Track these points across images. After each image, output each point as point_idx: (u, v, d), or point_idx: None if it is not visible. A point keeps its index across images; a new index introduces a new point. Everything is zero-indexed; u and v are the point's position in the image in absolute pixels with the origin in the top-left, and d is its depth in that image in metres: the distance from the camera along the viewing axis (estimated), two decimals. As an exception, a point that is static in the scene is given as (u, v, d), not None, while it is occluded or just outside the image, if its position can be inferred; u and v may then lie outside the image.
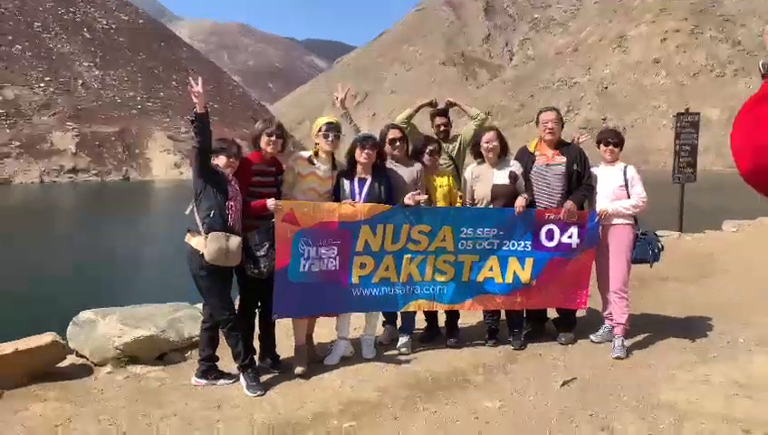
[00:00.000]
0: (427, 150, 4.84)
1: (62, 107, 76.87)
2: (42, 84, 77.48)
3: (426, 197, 4.64)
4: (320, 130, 4.47)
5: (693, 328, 5.40)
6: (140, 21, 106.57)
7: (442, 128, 5.56)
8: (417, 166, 4.82)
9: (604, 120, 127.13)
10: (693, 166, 11.51)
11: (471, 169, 5.02)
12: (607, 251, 4.84)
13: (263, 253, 4.17)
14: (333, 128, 4.50)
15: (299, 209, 4.29)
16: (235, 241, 4.01)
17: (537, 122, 5.04)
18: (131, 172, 77.36)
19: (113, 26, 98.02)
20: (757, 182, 1.15)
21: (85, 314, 4.70)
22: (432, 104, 5.68)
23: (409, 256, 4.62)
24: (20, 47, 79.50)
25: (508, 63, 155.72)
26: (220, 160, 4.11)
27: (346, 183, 4.55)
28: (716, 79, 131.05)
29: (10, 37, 79.63)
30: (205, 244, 3.92)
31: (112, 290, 12.83)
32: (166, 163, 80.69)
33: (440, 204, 4.80)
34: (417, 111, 5.58)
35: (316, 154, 4.51)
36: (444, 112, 5.70)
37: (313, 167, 4.48)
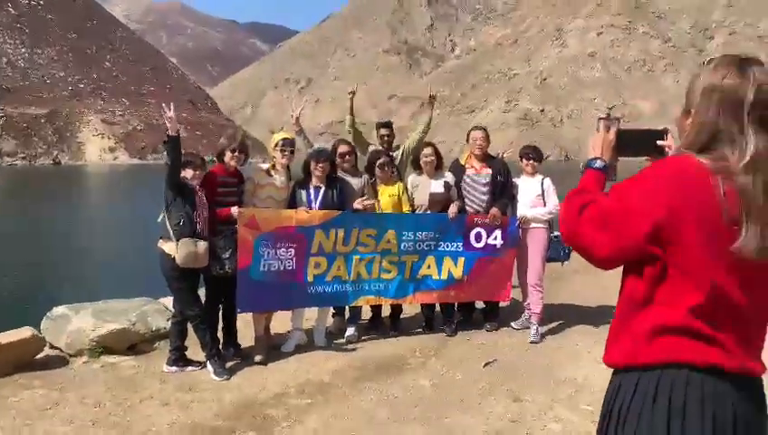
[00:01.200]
0: (377, 163, 5.52)
1: (-13, 87, 73.05)
2: (-37, 62, 73.31)
3: (372, 202, 5.30)
4: (276, 146, 5.06)
5: (598, 315, 6.29)
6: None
7: (386, 138, 6.19)
8: (365, 176, 5.50)
9: (542, 111, 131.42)
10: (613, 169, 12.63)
11: (411, 178, 5.74)
12: (526, 251, 5.61)
13: (227, 255, 4.74)
14: (289, 144, 5.11)
15: (260, 215, 4.84)
16: (202, 246, 4.54)
17: (468, 139, 5.82)
18: (62, 156, 74.57)
19: (41, 2, 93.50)
20: (573, 248, 1.70)
21: (59, 310, 5.13)
22: (353, 92, 6.48)
23: (358, 256, 5.24)
24: (-61, 22, 74.81)
25: (450, 53, 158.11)
26: (187, 173, 4.59)
27: (302, 192, 5.15)
28: (648, 73, 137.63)
29: (-73, 11, 74.74)
30: (176, 249, 4.44)
31: (65, 282, 12.90)
32: (100, 147, 78.20)
33: (390, 211, 5.45)
34: (351, 109, 6.28)
35: (273, 166, 5.08)
36: (387, 124, 6.39)
37: (271, 178, 5.04)
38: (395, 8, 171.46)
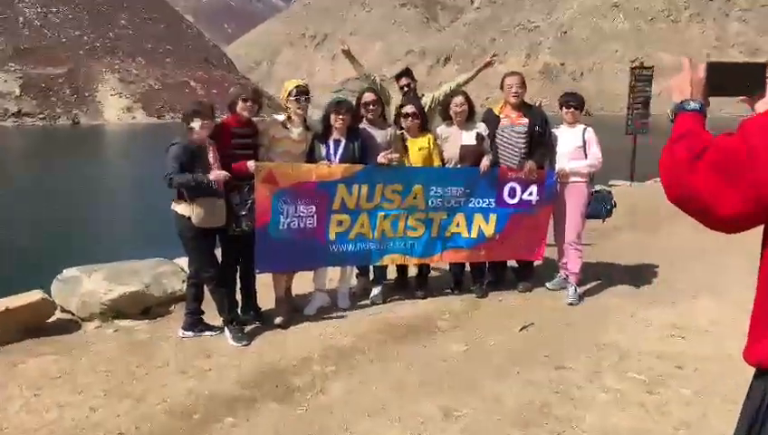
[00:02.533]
0: (404, 113, 5.08)
1: (3, 46, 72.89)
2: (-21, 22, 72.98)
3: (397, 155, 4.90)
4: (290, 95, 4.66)
5: (641, 276, 5.92)
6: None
7: (405, 88, 5.75)
8: (391, 128, 5.09)
9: (562, 64, 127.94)
10: (645, 117, 12.04)
11: (440, 130, 5.27)
12: (564, 207, 5.22)
13: (244, 212, 4.43)
14: (303, 91, 4.68)
15: (278, 170, 4.52)
16: (219, 203, 4.26)
17: (502, 86, 5.30)
18: (81, 116, 74.59)
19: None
20: (681, 207, 1.35)
21: (70, 272, 4.88)
22: (346, 50, 5.77)
23: (383, 213, 4.93)
24: (-48, -19, 74.30)
25: (469, 5, 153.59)
26: (195, 123, 4.22)
27: (321, 145, 4.79)
28: (672, 24, 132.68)
29: (-60, -30, 74.21)
30: (191, 209, 4.15)
31: (84, 243, 12.78)
32: (118, 107, 78.00)
33: (419, 165, 5.07)
34: (357, 63, 5.81)
35: (289, 118, 4.71)
36: (406, 72, 5.88)
37: (287, 131, 4.69)
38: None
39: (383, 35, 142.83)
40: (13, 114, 67.84)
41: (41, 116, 70.11)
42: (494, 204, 5.16)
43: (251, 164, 4.42)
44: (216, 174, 4.15)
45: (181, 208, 4.21)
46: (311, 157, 4.78)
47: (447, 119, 5.24)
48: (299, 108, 4.65)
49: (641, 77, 11.81)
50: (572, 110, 5.25)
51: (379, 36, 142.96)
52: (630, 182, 11.59)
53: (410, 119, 5.05)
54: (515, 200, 5.17)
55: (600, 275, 5.84)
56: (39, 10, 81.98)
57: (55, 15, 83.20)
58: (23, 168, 31.86)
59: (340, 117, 4.73)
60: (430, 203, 5.03)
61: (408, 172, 4.99)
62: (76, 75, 76.44)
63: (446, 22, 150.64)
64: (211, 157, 4.26)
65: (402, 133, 5.14)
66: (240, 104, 4.50)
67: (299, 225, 4.67)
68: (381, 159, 4.80)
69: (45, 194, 20.67)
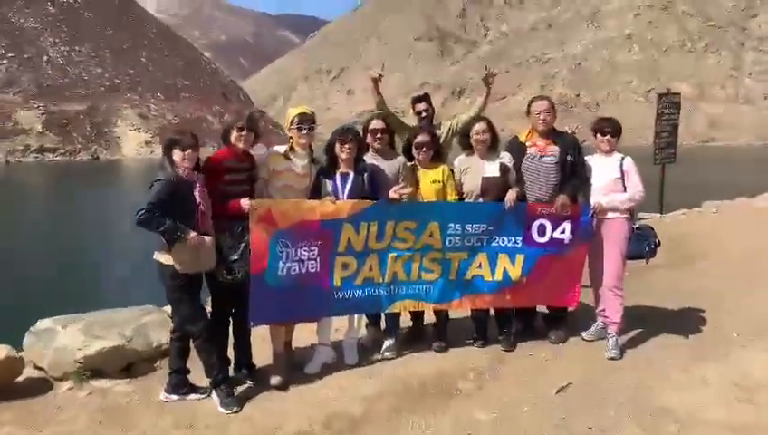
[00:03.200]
0: (417, 142, 4.55)
1: (27, 84, 74.48)
2: (5, 61, 74.92)
3: (410, 189, 4.37)
4: (292, 123, 4.20)
5: (685, 321, 5.24)
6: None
7: (423, 114, 5.24)
8: (400, 158, 4.58)
9: (577, 95, 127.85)
10: (673, 146, 11.42)
11: (459, 161, 4.74)
12: (601, 246, 4.61)
13: (236, 256, 3.90)
14: (308, 119, 4.22)
15: (277, 208, 4.02)
16: (206, 245, 3.74)
17: (528, 112, 4.76)
18: (100, 151, 75.54)
19: (78, 1, 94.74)
20: None
21: (44, 323, 4.35)
22: (378, 78, 5.22)
23: (394, 254, 4.41)
24: (-21, 22, 76.53)
25: (483, 39, 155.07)
26: (175, 155, 3.72)
27: (327, 180, 4.29)
28: (688, 54, 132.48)
29: (-32, 11, 76.52)
30: (173, 251, 3.64)
31: (74, 290, 12.08)
32: (136, 141, 78.96)
33: (433, 200, 4.53)
34: (377, 92, 5.21)
35: (292, 149, 4.22)
36: (424, 98, 5.40)
37: (289, 162, 4.19)
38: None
39: (399, 68, 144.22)
40: (34, 150, 68.88)
41: (61, 151, 71.16)
42: (521, 243, 4.58)
43: (246, 202, 3.91)
44: (195, 240, 3.64)
45: (164, 259, 3.70)
46: (315, 193, 4.28)
47: (468, 148, 4.71)
48: (303, 138, 4.19)
49: (668, 104, 11.21)
50: (608, 137, 4.67)
51: (395, 69, 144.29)
52: (660, 214, 10.90)
53: (423, 149, 4.54)
54: (546, 239, 4.58)
55: (639, 321, 5.16)
56: (62, 48, 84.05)
57: (78, 54, 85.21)
58: (28, 203, 31.80)
59: (347, 146, 4.23)
60: (448, 242, 4.47)
61: (422, 208, 4.46)
62: (96, 111, 77.77)
63: (460, 55, 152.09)
64: (197, 194, 3.74)
65: (414, 164, 4.62)
66: (234, 134, 4.02)
67: (300, 270, 4.15)
68: (393, 193, 4.27)
69: (39, 232, 20.27)
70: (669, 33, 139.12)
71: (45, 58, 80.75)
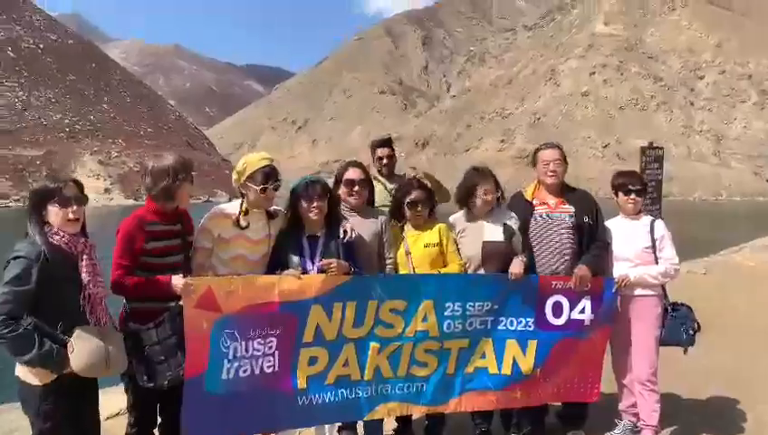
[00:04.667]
0: (408, 201, 3.72)
1: (-19, 128, 72.58)
2: (-41, 104, 73.02)
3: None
4: (251, 179, 3.20)
5: (721, 412, 4.49)
6: (70, 41, 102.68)
7: (385, 161, 4.58)
8: (382, 216, 3.75)
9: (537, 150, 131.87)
10: (658, 202, 11.41)
11: (455, 219, 3.92)
12: (628, 329, 3.86)
13: (163, 356, 2.90)
14: (272, 174, 3.24)
15: (221, 287, 3.05)
16: (113, 338, 2.73)
17: (534, 163, 3.98)
18: (57, 198, 73.68)
19: (41, 46, 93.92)
20: None
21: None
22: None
23: (377, 344, 3.45)
24: (-65, 64, 74.89)
25: (446, 93, 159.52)
26: (52, 215, 2.65)
27: (288, 246, 3.40)
28: (641, 112, 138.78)
29: (-76, 53, 74.91)
30: (71, 347, 2.56)
31: None
32: (95, 188, 77.25)
33: (422, 270, 3.66)
34: (437, 184, 4.28)
35: (245, 212, 3.24)
36: (386, 142, 4.71)
37: (241, 229, 3.23)
38: (390, 50, 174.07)
39: (362, 120, 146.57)
40: (-14, 196, 66.58)
41: (15, 198, 68.80)
42: (533, 325, 3.73)
43: (177, 280, 2.93)
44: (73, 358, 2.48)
45: (26, 374, 2.58)
46: (274, 263, 3.34)
47: (464, 205, 3.85)
48: (268, 200, 3.25)
49: (651, 158, 11.24)
50: (634, 196, 3.88)
51: (358, 121, 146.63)
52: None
53: (419, 208, 3.70)
54: (562, 320, 3.76)
55: (670, 417, 4.17)
56: (22, 93, 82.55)
57: (37, 99, 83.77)
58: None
59: (315, 205, 3.33)
60: (445, 326, 3.54)
61: (412, 282, 3.55)
62: (54, 157, 76.03)
63: (424, 108, 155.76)
64: (84, 271, 2.69)
65: (402, 224, 3.80)
66: (164, 180, 2.97)
67: (252, 370, 3.18)
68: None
69: None
70: (623, 91, 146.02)
71: (2, 103, 79.09)
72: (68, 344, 2.53)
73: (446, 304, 3.51)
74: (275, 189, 3.23)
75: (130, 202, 73.75)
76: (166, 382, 2.87)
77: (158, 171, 2.99)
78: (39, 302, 2.52)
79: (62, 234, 2.63)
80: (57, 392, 2.57)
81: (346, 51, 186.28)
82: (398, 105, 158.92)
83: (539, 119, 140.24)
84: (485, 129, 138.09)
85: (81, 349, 2.55)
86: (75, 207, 2.66)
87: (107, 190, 74.15)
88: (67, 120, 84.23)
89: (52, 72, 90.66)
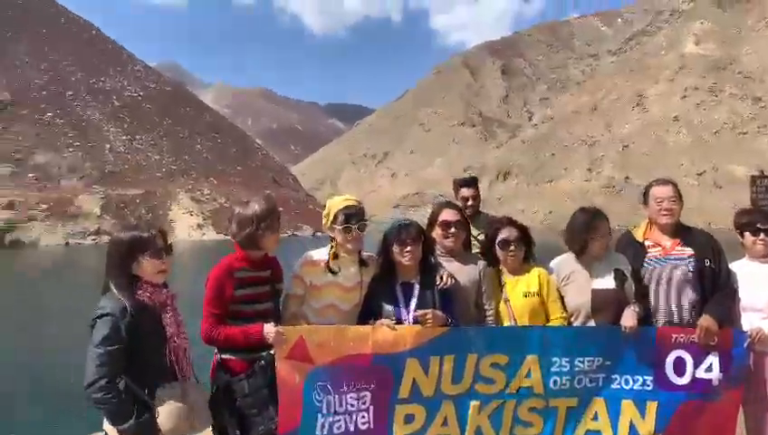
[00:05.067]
0: (499, 240, 3.49)
1: (90, 171, 78.50)
2: (71, 149, 79.47)
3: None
4: (335, 220, 3.15)
5: None
6: (167, 88, 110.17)
7: (470, 202, 4.45)
8: (481, 262, 3.52)
9: (627, 178, 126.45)
10: (769, 234, 10.49)
11: (559, 264, 3.62)
12: (763, 392, 3.45)
13: (255, 410, 2.85)
14: (355, 214, 3.15)
15: (312, 338, 2.99)
16: (198, 395, 2.68)
17: (645, 200, 3.70)
18: (155, 234, 78.28)
19: (141, 94, 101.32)
20: None
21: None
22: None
23: (478, 402, 3.25)
24: (51, 114, 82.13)
25: (527, 123, 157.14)
26: (146, 266, 2.60)
27: (382, 294, 3.25)
28: (739, 136, 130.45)
29: (43, 105, 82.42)
30: (156, 412, 2.53)
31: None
32: (188, 225, 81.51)
33: (523, 321, 3.44)
34: None
35: (335, 256, 3.18)
36: (471, 182, 4.56)
37: (332, 275, 3.17)
38: (469, 82, 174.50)
39: (441, 153, 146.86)
40: (92, 233, 71.48)
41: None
42: (652, 385, 3.38)
43: (269, 329, 2.88)
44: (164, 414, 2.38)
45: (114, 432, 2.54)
46: (366, 312, 3.25)
47: (574, 247, 3.52)
48: (351, 241, 3.14)
49: (762, 187, 10.30)
50: (764, 236, 3.52)
51: (438, 154, 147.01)
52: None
53: (511, 249, 3.48)
54: (686, 379, 3.38)
55: None
56: (125, 138, 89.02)
57: (138, 142, 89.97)
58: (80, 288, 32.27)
59: (408, 249, 3.16)
60: (552, 384, 3.30)
61: (514, 335, 3.34)
62: (152, 196, 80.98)
63: (505, 139, 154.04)
64: (168, 323, 2.66)
65: (498, 269, 3.55)
66: (255, 231, 2.91)
67: (347, 426, 3.07)
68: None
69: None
70: (718, 114, 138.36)
71: (108, 147, 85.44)
72: (154, 410, 2.49)
73: (553, 359, 3.30)
74: (361, 229, 3.14)
75: (221, 237, 77.36)
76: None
77: (242, 219, 2.97)
78: (127, 356, 2.50)
79: (145, 287, 2.61)
80: None
81: (424, 85, 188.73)
82: (478, 136, 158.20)
83: (627, 146, 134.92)
84: (570, 157, 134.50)
85: (166, 413, 2.52)
86: (166, 257, 2.66)
87: (200, 226, 77.83)
88: (164, 161, 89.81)
89: (151, 117, 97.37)
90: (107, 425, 2.54)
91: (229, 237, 3.04)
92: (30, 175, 72.29)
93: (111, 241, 2.68)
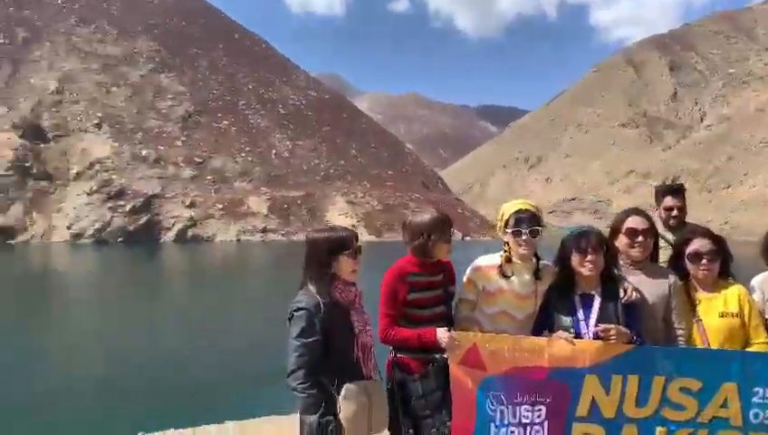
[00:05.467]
0: (689, 253, 3.14)
1: (258, 174, 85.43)
2: (242, 154, 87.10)
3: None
4: (507, 224, 3.07)
5: None
6: (326, 96, 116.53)
7: (675, 213, 4.05)
8: (672, 277, 3.20)
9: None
10: None
11: (760, 283, 3.27)
12: None
13: (428, 412, 2.87)
14: (528, 218, 3.05)
15: (486, 345, 2.91)
16: (379, 395, 2.78)
17: None
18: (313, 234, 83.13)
19: (303, 102, 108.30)
20: None
21: None
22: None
23: (664, 428, 2.96)
24: (227, 122, 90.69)
25: (699, 123, 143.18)
26: (344, 265, 2.77)
27: (559, 304, 3.09)
28: None
29: (219, 114, 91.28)
30: (339, 409, 2.64)
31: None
32: (343, 225, 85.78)
33: (718, 344, 3.10)
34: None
35: (508, 260, 3.10)
36: (678, 191, 4.15)
37: (505, 280, 3.07)
38: (632, 79, 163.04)
39: (600, 156, 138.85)
40: (259, 231, 77.72)
41: (281, 232, 79.19)
42: None
43: (442, 334, 2.88)
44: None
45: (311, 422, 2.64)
46: (542, 323, 3.13)
47: None
48: (523, 246, 3.03)
49: None
50: None
51: (596, 157, 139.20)
52: None
53: (705, 262, 3.11)
54: None
55: None
56: (288, 143, 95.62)
57: (300, 148, 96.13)
58: (251, 278, 35.12)
59: (589, 258, 2.97)
60: (752, 417, 2.94)
61: (710, 359, 3.02)
62: (312, 198, 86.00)
63: (673, 141, 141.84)
64: (356, 320, 2.80)
65: (689, 283, 3.22)
66: (432, 240, 2.98)
67: None
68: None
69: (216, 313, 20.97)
70: None
71: (274, 152, 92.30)
72: (338, 405, 2.64)
73: (755, 389, 2.92)
74: (532, 235, 3.03)
75: (373, 238, 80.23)
76: None
77: (414, 228, 3.04)
78: (320, 354, 2.65)
79: (337, 285, 2.76)
80: None
81: (582, 84, 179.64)
82: (642, 138, 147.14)
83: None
84: (752, 161, 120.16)
85: (350, 409, 2.63)
86: (350, 260, 2.81)
87: (353, 227, 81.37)
88: (322, 165, 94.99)
89: (312, 124, 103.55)
90: (300, 414, 2.67)
91: (379, 238, 3.11)
92: (208, 178, 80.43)
93: (312, 241, 2.85)
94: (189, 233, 73.29)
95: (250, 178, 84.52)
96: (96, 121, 78.99)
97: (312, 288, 2.69)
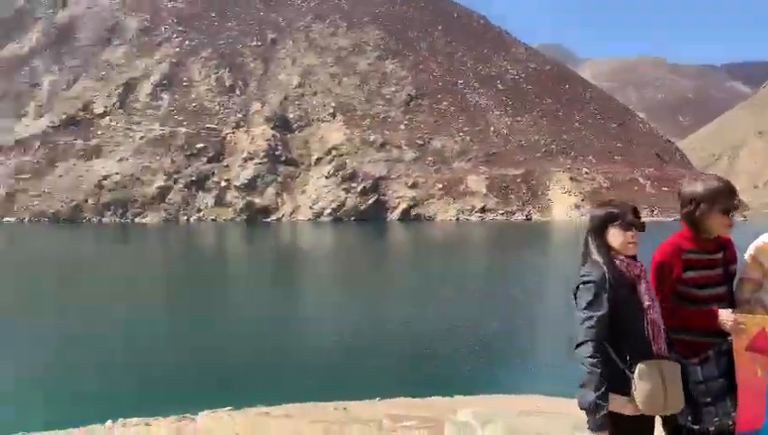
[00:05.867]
0: None
1: (477, 153, 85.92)
2: (461, 134, 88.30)
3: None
4: None
5: None
6: (547, 67, 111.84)
7: None
8: None
9: None
10: None
11: None
12: None
13: (709, 399, 2.68)
14: None
15: None
16: (674, 374, 2.57)
17: None
18: (534, 213, 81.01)
19: (522, 76, 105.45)
20: None
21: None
22: None
23: None
24: (446, 103, 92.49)
25: None
26: (613, 236, 2.65)
27: None
28: None
29: (439, 96, 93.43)
30: (633, 385, 2.50)
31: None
32: (566, 204, 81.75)
33: None
34: None
35: None
36: None
37: None
38: None
39: None
40: (478, 210, 78.41)
41: (500, 212, 78.97)
42: None
43: (725, 315, 2.70)
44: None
45: (617, 404, 2.54)
46: None
47: None
48: None
49: None
50: None
51: None
52: None
53: None
54: None
55: None
56: (507, 120, 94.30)
57: (519, 124, 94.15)
58: (469, 257, 35.56)
59: None
60: None
61: None
62: (532, 175, 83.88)
63: None
64: (645, 295, 2.62)
65: None
66: (716, 211, 2.76)
67: None
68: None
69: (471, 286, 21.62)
70: None
71: (492, 129, 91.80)
72: (631, 383, 2.52)
73: None
74: None
75: (598, 218, 75.59)
76: (711, 428, 2.65)
77: (683, 195, 2.86)
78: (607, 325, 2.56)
79: (621, 257, 2.65)
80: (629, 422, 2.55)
81: None
82: None
83: None
84: None
85: (645, 390, 2.48)
86: (634, 233, 2.65)
87: (577, 206, 77.41)
88: (543, 141, 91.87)
89: (531, 98, 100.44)
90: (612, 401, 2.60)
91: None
92: (429, 159, 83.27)
93: (591, 216, 2.83)
94: (412, 212, 77.02)
95: (468, 158, 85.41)
96: (330, 111, 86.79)
97: (598, 259, 2.64)
